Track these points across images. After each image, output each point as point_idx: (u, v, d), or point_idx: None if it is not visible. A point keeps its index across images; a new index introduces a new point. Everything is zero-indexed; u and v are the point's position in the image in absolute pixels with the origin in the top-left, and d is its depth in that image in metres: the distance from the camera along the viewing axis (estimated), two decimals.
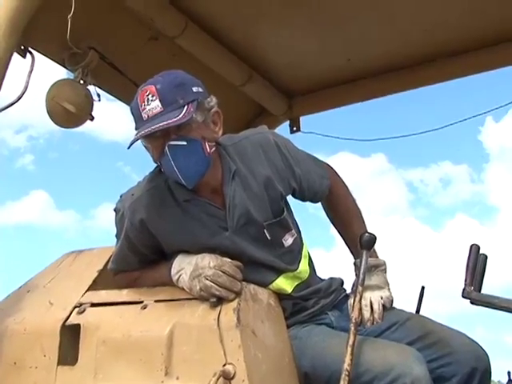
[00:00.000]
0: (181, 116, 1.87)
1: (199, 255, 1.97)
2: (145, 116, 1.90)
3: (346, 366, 1.81)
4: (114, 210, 2.19)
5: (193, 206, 2.04)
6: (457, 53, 3.38)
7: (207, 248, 2.00)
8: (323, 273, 2.32)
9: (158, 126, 1.86)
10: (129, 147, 1.91)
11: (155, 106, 1.90)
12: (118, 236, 2.18)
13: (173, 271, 2.01)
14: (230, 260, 1.95)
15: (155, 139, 1.93)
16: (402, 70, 3.53)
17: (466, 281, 1.97)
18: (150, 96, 1.91)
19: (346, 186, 2.37)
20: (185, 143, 1.92)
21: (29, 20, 2.53)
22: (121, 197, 2.19)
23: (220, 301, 1.87)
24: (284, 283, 2.11)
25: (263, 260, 2.07)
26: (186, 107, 1.90)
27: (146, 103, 1.91)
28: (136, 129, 1.94)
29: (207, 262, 1.93)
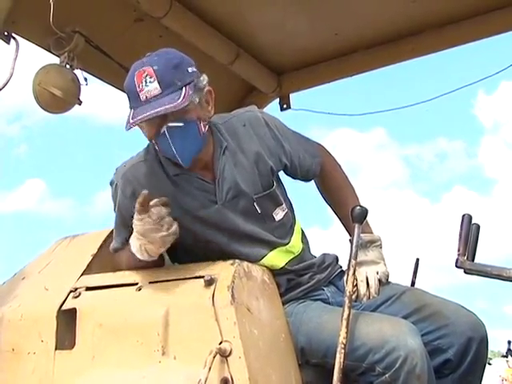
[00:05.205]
0: (180, 101, 1.89)
1: None
2: (143, 97, 1.92)
3: (341, 339, 1.82)
4: (110, 184, 2.20)
5: (183, 181, 2.07)
6: (446, 23, 3.35)
7: (197, 219, 2.03)
8: (321, 251, 2.32)
9: (158, 109, 1.88)
10: (128, 129, 1.92)
11: (153, 88, 1.91)
12: (115, 210, 2.18)
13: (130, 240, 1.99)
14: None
15: (151, 120, 1.94)
16: (391, 43, 3.49)
17: (459, 251, 1.97)
18: (147, 78, 1.92)
19: (338, 164, 2.38)
20: (182, 124, 1.95)
21: (11, 5, 2.50)
22: (116, 170, 2.20)
23: (213, 280, 1.87)
24: (276, 258, 2.11)
25: (254, 233, 2.09)
26: (184, 90, 1.92)
27: (143, 84, 1.92)
28: (131, 107, 1.95)
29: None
